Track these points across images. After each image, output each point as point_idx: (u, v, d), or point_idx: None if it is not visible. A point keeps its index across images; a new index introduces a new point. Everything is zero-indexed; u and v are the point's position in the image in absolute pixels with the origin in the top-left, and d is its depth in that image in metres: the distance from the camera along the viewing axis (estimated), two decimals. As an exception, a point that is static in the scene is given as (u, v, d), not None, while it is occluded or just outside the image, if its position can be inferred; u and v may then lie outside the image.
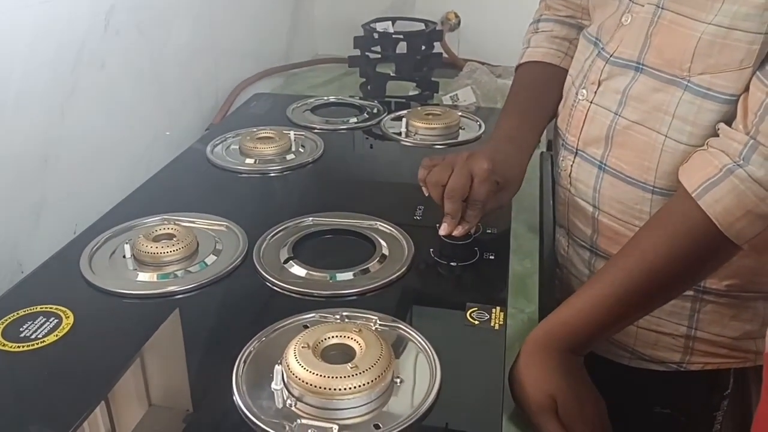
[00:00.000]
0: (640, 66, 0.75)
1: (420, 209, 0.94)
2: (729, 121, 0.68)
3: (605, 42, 0.80)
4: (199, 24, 1.31)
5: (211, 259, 0.83)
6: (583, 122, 0.81)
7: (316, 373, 0.59)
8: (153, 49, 1.17)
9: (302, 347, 0.62)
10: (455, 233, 0.82)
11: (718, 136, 0.68)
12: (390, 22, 1.52)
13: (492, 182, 0.82)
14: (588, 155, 0.81)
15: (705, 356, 0.81)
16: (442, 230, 0.82)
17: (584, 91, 0.82)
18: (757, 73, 0.65)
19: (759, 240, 0.65)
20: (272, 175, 1.08)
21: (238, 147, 1.15)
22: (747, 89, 0.66)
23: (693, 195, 0.65)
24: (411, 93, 1.50)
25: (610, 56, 0.78)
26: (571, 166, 0.84)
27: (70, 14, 0.95)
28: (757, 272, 0.76)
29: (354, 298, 0.76)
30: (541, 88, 0.93)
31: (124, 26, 1.07)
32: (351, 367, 0.60)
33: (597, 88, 0.80)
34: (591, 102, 0.80)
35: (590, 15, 0.88)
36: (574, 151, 0.83)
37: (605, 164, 0.79)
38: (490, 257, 0.84)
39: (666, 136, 0.72)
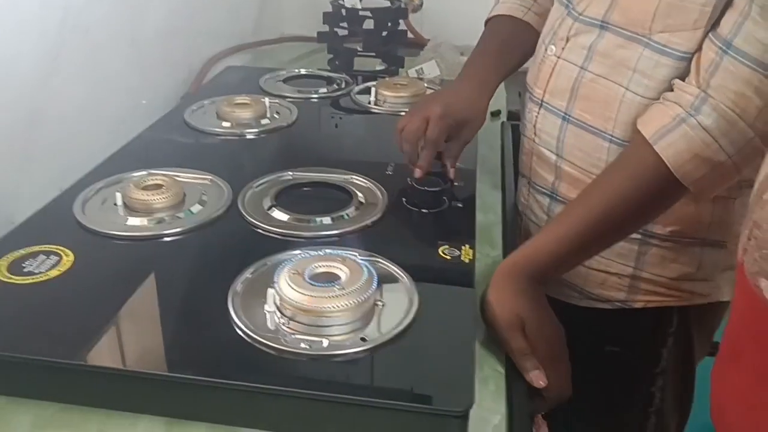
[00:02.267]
0: (605, 24, 0.82)
1: (391, 166, 1.01)
2: (682, 76, 0.76)
3: (575, 3, 0.88)
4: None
5: (197, 208, 0.88)
6: (550, 75, 0.89)
7: (306, 293, 0.66)
8: (135, 17, 1.20)
9: (293, 273, 0.68)
10: (415, 175, 0.91)
11: (672, 90, 0.76)
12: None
13: (445, 124, 0.92)
14: (552, 107, 0.89)
15: (647, 294, 0.89)
16: (415, 174, 0.91)
17: (553, 46, 0.89)
18: (709, 34, 0.73)
19: (697, 190, 0.73)
20: (249, 137, 1.14)
21: (215, 112, 1.19)
22: (700, 48, 0.74)
23: (650, 141, 0.73)
24: (377, 68, 1.56)
25: (579, 15, 0.86)
26: (536, 117, 0.92)
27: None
28: (696, 220, 0.85)
29: (335, 239, 0.83)
30: (503, 37, 1.03)
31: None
32: (338, 288, 0.66)
33: (565, 44, 0.87)
34: (559, 57, 0.88)
35: None
36: (540, 102, 0.91)
37: (569, 115, 0.87)
38: (458, 205, 0.92)
39: (626, 88, 0.80)
